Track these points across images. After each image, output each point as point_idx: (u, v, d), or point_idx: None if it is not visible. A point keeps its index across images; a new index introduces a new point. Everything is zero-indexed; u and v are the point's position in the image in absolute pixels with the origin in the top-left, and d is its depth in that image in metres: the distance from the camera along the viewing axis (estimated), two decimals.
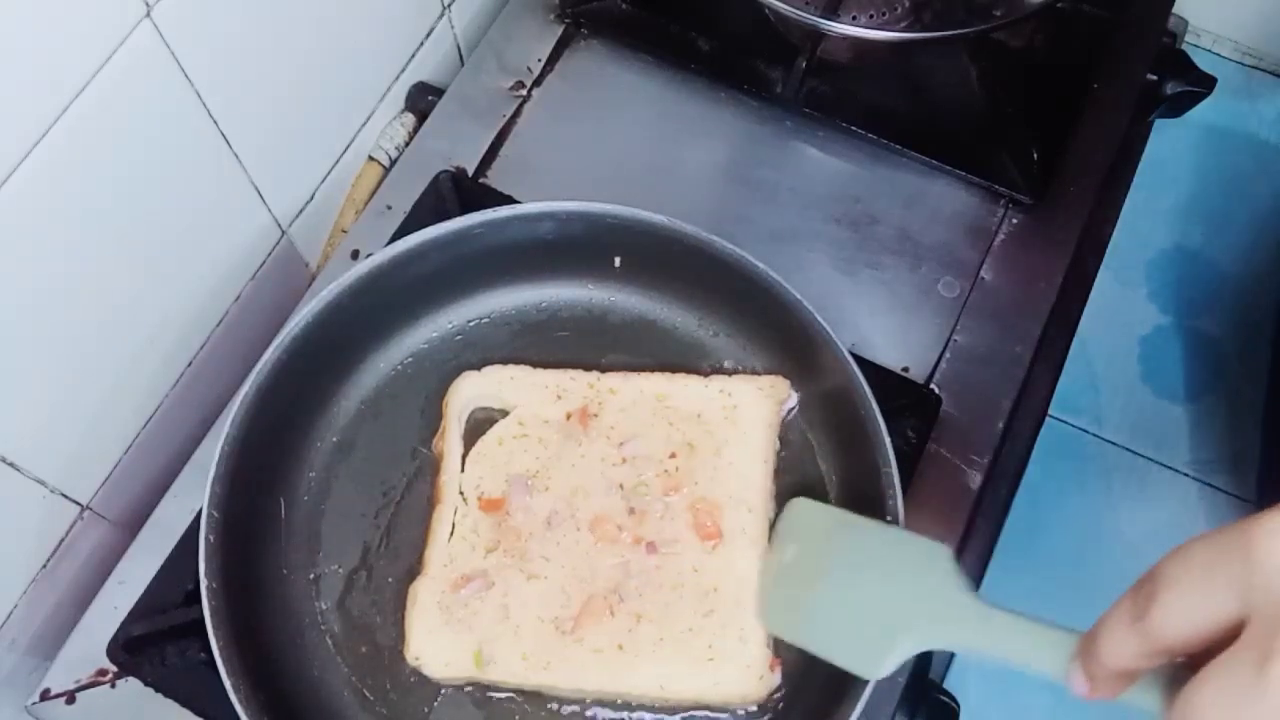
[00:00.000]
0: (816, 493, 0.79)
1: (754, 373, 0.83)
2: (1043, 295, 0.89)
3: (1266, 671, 0.40)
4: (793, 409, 0.82)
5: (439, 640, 0.74)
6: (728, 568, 0.76)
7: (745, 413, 0.80)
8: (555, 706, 0.75)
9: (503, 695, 0.75)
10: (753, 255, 0.78)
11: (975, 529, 0.85)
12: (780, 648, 0.75)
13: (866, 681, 0.67)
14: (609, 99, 0.97)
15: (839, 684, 0.69)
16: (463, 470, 0.79)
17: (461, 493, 0.78)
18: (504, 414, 0.81)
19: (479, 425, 0.81)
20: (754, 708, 0.74)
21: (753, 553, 0.76)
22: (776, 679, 0.74)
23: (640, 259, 0.83)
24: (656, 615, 0.75)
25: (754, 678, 0.73)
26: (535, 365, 0.82)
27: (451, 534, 0.77)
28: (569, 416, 0.80)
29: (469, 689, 0.75)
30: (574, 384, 0.81)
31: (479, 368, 0.82)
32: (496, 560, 0.76)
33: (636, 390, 0.81)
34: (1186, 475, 1.55)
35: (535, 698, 0.75)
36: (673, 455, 0.79)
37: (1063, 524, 1.50)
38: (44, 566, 0.79)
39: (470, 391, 0.81)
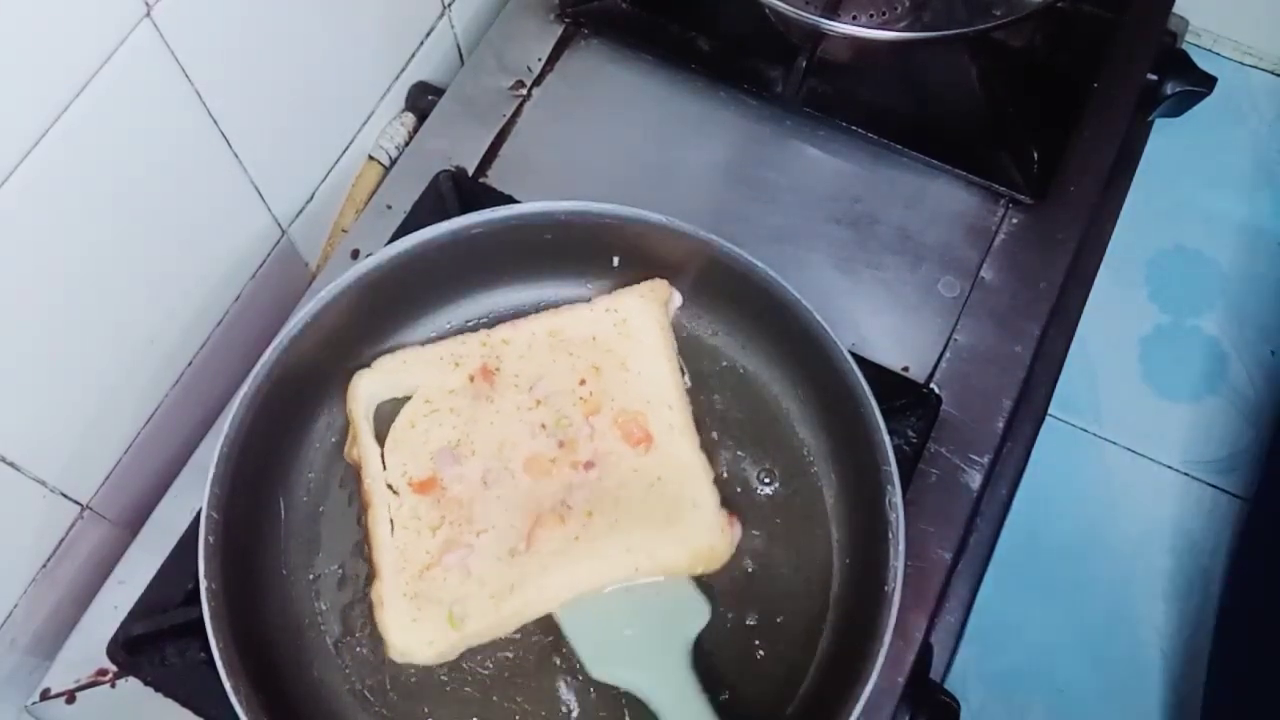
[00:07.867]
0: (815, 493, 0.79)
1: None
2: (1043, 295, 0.89)
3: None
4: (679, 305, 0.83)
5: (416, 629, 0.74)
6: (667, 461, 0.78)
7: (636, 322, 0.81)
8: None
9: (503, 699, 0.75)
10: (753, 255, 0.78)
11: (975, 529, 0.85)
12: (734, 505, 0.78)
13: (866, 681, 0.67)
14: (609, 99, 0.97)
15: (839, 684, 0.69)
16: (384, 467, 0.78)
17: (390, 485, 0.78)
18: (409, 399, 0.81)
19: (389, 418, 0.80)
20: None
21: (685, 442, 0.78)
22: (738, 533, 0.77)
23: (639, 259, 0.83)
24: (607, 508, 0.76)
25: (716, 532, 0.76)
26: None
27: (393, 529, 0.77)
28: (472, 379, 0.80)
29: (468, 689, 0.75)
30: (466, 348, 0.81)
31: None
32: (446, 534, 0.76)
33: (529, 334, 0.82)
34: (1186, 475, 1.55)
35: (536, 695, 0.75)
36: (583, 382, 0.80)
37: (1063, 524, 1.50)
38: (44, 566, 0.79)
39: (368, 389, 0.80)
